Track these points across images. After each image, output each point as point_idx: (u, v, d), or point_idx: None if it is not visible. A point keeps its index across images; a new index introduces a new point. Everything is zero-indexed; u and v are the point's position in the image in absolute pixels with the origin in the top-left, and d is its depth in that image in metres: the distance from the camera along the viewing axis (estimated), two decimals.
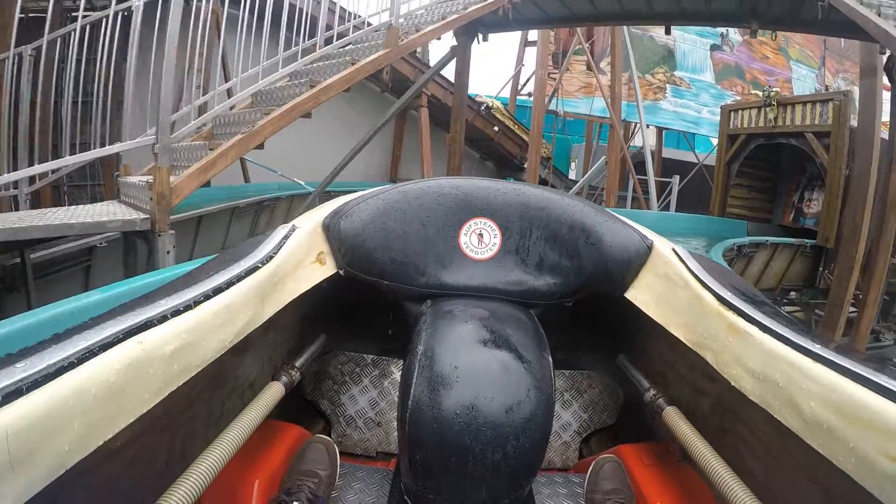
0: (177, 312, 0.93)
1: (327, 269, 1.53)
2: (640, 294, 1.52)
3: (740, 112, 10.04)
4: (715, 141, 16.28)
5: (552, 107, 10.76)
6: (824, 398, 0.85)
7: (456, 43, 7.39)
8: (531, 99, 11.90)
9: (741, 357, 1.10)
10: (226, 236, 6.66)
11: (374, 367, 1.89)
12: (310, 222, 1.55)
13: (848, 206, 7.36)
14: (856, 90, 8.21)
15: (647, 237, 1.57)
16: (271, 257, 1.30)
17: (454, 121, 8.00)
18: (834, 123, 7.81)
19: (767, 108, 9.05)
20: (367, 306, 1.80)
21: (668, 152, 14.77)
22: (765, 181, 10.74)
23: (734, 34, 12.98)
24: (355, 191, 1.73)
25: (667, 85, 12.15)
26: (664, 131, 13.53)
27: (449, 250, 1.58)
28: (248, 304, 1.16)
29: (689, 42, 12.37)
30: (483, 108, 12.21)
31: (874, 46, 6.28)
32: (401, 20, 5.42)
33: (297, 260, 1.43)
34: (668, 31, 6.17)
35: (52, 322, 1.49)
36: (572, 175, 13.89)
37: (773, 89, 9.33)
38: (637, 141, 13.03)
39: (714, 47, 12.69)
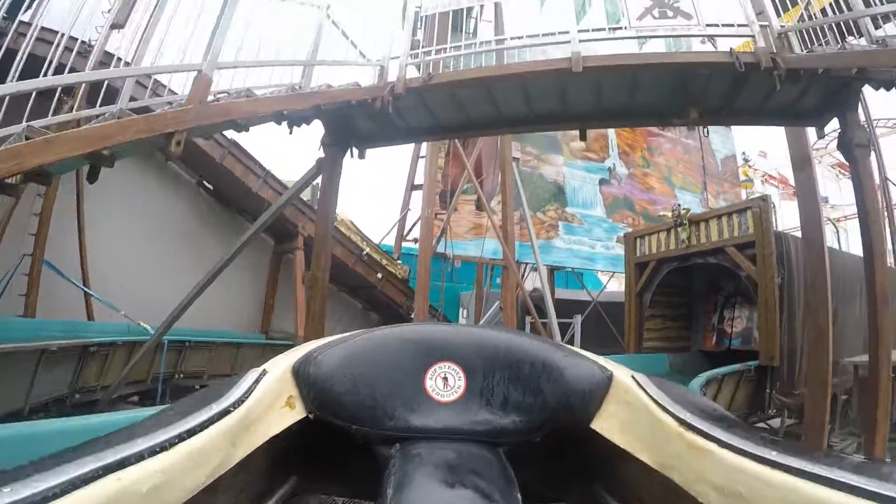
0: (153, 452, 0.98)
1: (297, 413, 1.55)
2: (605, 423, 1.56)
3: (647, 238, 9.51)
4: (604, 278, 16.48)
5: (440, 249, 10.14)
6: (785, 502, 0.95)
7: (323, 155, 5.82)
8: (417, 246, 11.28)
9: (704, 474, 1.17)
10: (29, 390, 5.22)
11: None
12: (280, 367, 1.58)
13: (799, 315, 6.64)
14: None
15: (607, 368, 1.63)
16: (242, 401, 1.33)
17: (316, 254, 6.15)
18: (756, 232, 7.27)
19: (679, 228, 8.55)
20: (338, 449, 1.75)
21: (558, 293, 14.70)
22: (678, 308, 10.17)
23: (620, 168, 13.24)
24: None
25: (559, 222, 11.86)
26: (554, 272, 13.33)
27: (416, 394, 1.61)
28: (219, 447, 1.19)
29: (579, 178, 12.39)
30: (364, 253, 11.49)
31: (803, 137, 5.81)
32: (221, 74, 4.07)
33: (268, 404, 1.46)
34: (583, 137, 5.33)
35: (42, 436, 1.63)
36: (462, 323, 13.23)
37: (683, 207, 9.00)
38: (530, 283, 12.63)
39: (603, 181, 12.77)
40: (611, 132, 13.39)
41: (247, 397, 1.36)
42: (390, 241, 13.21)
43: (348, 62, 5.38)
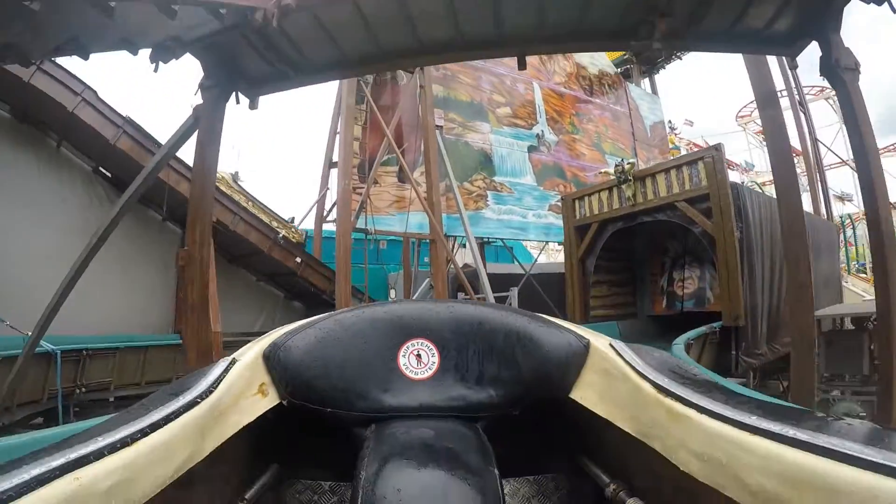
0: (113, 449, 0.96)
1: (270, 400, 1.52)
2: (584, 392, 1.54)
3: (588, 199, 8.75)
4: (534, 252, 16.18)
5: (361, 226, 9.24)
6: (766, 469, 0.91)
7: (201, 100, 4.53)
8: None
9: (684, 441, 1.14)
10: None
11: (332, 493, 1.79)
12: (249, 354, 1.55)
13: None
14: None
15: (584, 336, 1.60)
16: (211, 391, 1.31)
17: (191, 224, 4.55)
18: (711, 183, 6.73)
19: (623, 185, 7.82)
20: (318, 433, 1.70)
21: (490, 267, 14.35)
22: (623, 272, 9.66)
23: (549, 134, 12.74)
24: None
25: (487, 192, 11.11)
26: (483, 246, 12.80)
27: (389, 373, 1.59)
28: (187, 440, 1.17)
29: (506, 146, 11.75)
30: (280, 237, 10.47)
31: (767, 72, 5.13)
32: None
33: (239, 392, 1.43)
34: (521, 65, 4.22)
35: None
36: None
37: (629, 161, 8.38)
38: (460, 259, 11.98)
39: (531, 148, 12.16)
40: (538, 98, 12.86)
41: (215, 387, 1.34)
42: (310, 224, 12.16)
43: None
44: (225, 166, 10.70)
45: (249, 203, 10.05)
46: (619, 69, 16.76)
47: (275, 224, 10.38)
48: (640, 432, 1.32)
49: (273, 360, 1.54)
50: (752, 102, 24.78)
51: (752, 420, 0.98)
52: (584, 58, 15.00)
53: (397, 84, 10.94)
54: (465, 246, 14.25)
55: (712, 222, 6.66)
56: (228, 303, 11.10)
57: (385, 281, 12.53)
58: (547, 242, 13.25)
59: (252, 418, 1.44)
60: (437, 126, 10.82)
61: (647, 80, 19.33)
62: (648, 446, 1.27)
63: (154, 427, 1.07)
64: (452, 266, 10.35)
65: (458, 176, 10.72)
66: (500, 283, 10.39)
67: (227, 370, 1.43)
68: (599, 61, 15.52)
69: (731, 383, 2.38)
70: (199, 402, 1.24)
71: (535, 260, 14.59)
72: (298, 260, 10.88)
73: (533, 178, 11.93)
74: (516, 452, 1.57)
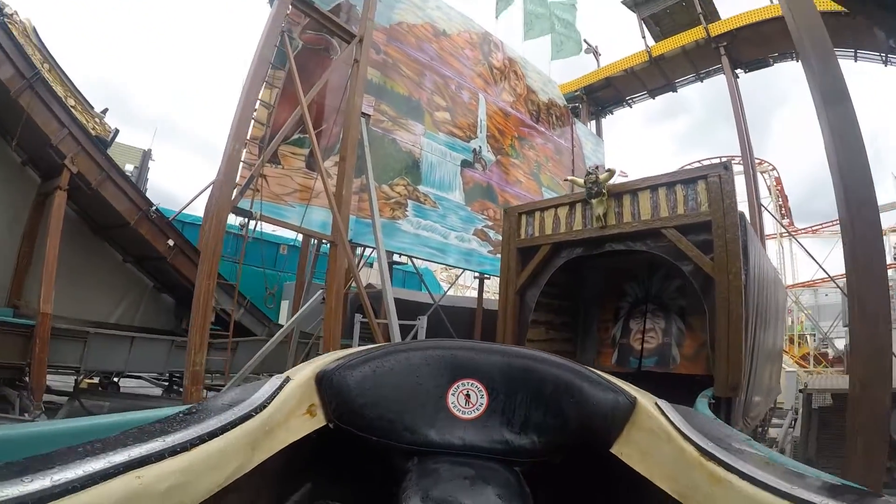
0: (174, 452, 0.99)
1: (317, 421, 1.55)
2: (626, 449, 1.54)
3: (540, 214, 6.73)
4: (445, 285, 15.03)
5: (249, 209, 7.43)
6: None
7: None
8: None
9: None
10: None
11: None
12: (303, 375, 1.58)
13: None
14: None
15: (631, 393, 1.60)
16: (264, 406, 1.34)
17: None
18: (715, 209, 5.18)
19: (594, 201, 6.03)
20: (356, 458, 1.74)
21: (395, 292, 13.11)
22: (566, 314, 7.79)
23: (487, 152, 11.52)
24: None
25: (408, 200, 9.53)
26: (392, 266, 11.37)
27: (437, 409, 1.62)
28: (239, 451, 1.20)
29: (438, 153, 10.35)
30: (153, 209, 8.52)
31: (836, 65, 4.33)
32: None
33: (289, 410, 1.46)
34: None
35: (50, 437, 1.44)
36: (283, 318, 10.78)
37: (605, 171, 6.47)
38: (365, 276, 10.45)
39: (465, 163, 10.80)
40: (482, 111, 11.67)
41: (269, 403, 1.37)
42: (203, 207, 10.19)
43: None
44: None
45: (46, 67, 7.95)
46: (568, 105, 16.06)
47: (78, 112, 8.41)
48: (680, 493, 1.32)
49: (325, 383, 1.56)
50: (696, 161, 25.04)
51: (793, 490, 1.00)
52: (536, 83, 14.10)
53: (329, 56, 9.37)
54: (371, 265, 12.82)
55: (712, 260, 5.16)
56: (87, 282, 9.00)
57: (281, 290, 10.72)
58: (461, 274, 11.97)
59: (298, 437, 1.46)
60: (365, 114, 9.31)
61: (594, 122, 18.87)
62: None
63: (212, 435, 1.10)
64: (355, 283, 8.71)
65: (378, 176, 9.20)
66: (406, 310, 8.87)
67: (281, 387, 1.46)
68: (551, 91, 14.68)
69: (779, 454, 1.89)
70: (253, 416, 1.28)
71: (445, 292, 13.35)
72: (171, 243, 8.95)
73: (462, 196, 10.59)
74: (554, 501, 1.60)
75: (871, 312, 4.46)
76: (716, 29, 16.56)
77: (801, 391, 7.54)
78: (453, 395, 1.62)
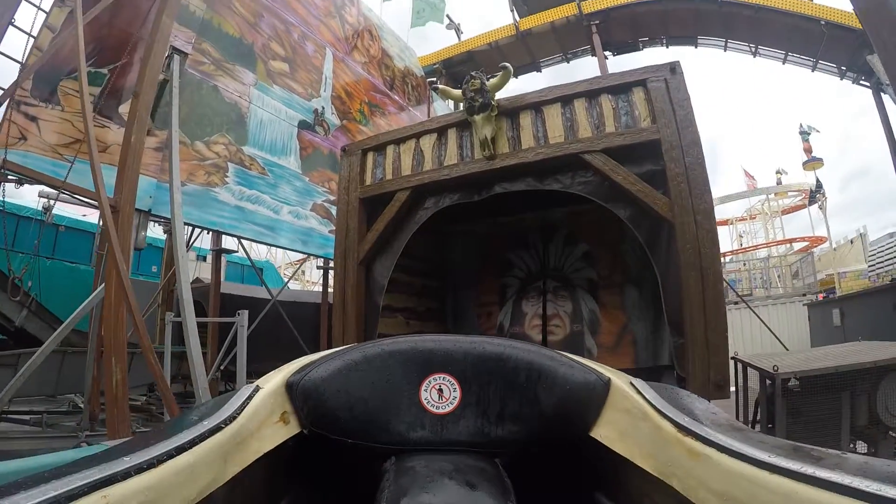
0: (140, 469, 0.96)
1: (291, 429, 1.53)
2: (605, 431, 1.52)
3: (393, 148, 4.59)
4: (293, 282, 13.81)
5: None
6: None
7: None
8: None
9: (704, 480, 1.13)
10: None
11: None
12: (273, 382, 1.56)
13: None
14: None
15: (604, 374, 1.58)
16: (234, 417, 1.32)
17: None
18: (665, 123, 3.58)
19: (478, 118, 4.02)
20: (336, 464, 1.73)
21: (229, 287, 11.71)
22: (431, 296, 5.91)
23: (331, 115, 10.12)
24: None
25: (229, 164, 7.67)
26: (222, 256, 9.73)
27: (410, 407, 1.59)
28: (210, 464, 1.17)
29: (271, 110, 8.75)
30: None
31: None
32: None
33: (261, 419, 1.44)
34: None
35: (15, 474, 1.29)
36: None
37: (501, 68, 4.31)
38: (204, 272, 8.73)
39: (304, 124, 9.29)
40: (328, 67, 10.23)
41: (239, 413, 1.35)
42: None
43: None
44: None
45: None
46: (426, 77, 15.15)
47: None
48: (660, 471, 1.30)
49: (296, 388, 1.53)
50: None
51: (772, 459, 0.98)
52: (393, 48, 12.93)
53: None
54: (204, 259, 11.04)
55: (666, 195, 3.58)
56: None
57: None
58: (304, 260, 10.65)
59: (273, 446, 1.43)
60: (180, 52, 7.46)
61: (451, 102, 18.25)
62: (668, 485, 1.26)
63: (180, 450, 1.08)
64: (179, 280, 6.92)
65: (191, 131, 7.42)
66: (238, 307, 7.20)
67: (250, 397, 1.43)
68: (408, 58, 13.60)
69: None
70: (223, 428, 1.25)
71: (286, 284, 11.86)
72: None
73: (297, 163, 9.07)
74: (535, 489, 1.55)
75: None
76: (589, 6, 16.70)
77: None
78: (426, 390, 1.60)
